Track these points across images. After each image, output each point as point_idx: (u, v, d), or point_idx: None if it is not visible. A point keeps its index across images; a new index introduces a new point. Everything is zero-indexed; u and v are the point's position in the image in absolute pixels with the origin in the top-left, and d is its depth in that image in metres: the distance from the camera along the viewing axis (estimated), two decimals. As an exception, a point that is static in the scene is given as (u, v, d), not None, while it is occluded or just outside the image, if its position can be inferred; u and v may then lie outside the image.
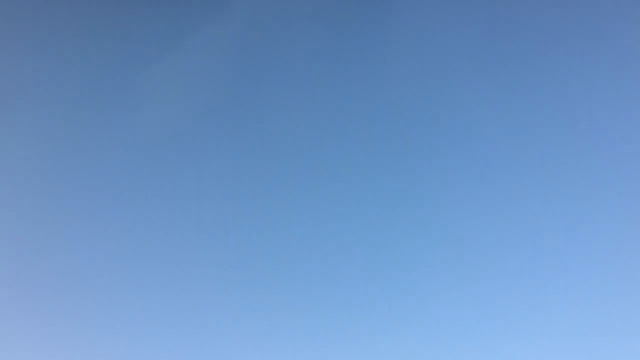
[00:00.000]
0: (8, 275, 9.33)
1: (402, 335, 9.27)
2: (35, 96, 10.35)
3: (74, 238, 9.69)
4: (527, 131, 10.28)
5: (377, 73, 10.65)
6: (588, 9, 10.55)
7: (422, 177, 10.23)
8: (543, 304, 9.32)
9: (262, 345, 9.27)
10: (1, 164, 9.89)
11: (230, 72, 10.72)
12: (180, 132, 10.39)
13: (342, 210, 10.09)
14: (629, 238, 9.45)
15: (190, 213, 10.02)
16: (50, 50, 10.55)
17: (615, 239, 9.52)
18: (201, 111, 10.50)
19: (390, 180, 10.23)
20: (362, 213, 10.06)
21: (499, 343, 9.08)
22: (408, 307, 9.47)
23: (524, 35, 10.66)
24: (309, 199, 10.13)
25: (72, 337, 9.15)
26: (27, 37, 10.55)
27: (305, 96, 10.67)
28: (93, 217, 9.85)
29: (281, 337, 9.33)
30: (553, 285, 9.40)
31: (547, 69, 10.53)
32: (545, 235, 9.68)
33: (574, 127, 10.22)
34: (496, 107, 10.43)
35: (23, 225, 9.67)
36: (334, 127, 10.51)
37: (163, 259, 9.74)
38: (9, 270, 9.35)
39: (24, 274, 9.39)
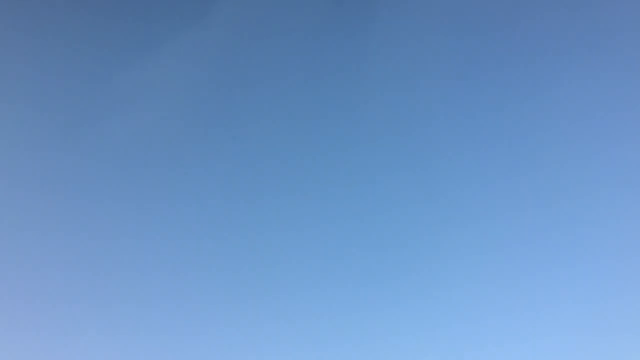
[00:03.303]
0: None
1: (402, 336, 9.29)
2: (16, 99, 10.45)
3: (67, 242, 9.78)
4: (525, 132, 10.35)
5: (364, 79, 10.71)
6: (586, 10, 10.61)
7: (419, 178, 10.28)
8: (543, 304, 9.33)
9: (262, 346, 9.30)
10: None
11: (214, 76, 10.79)
12: (165, 135, 10.47)
13: (340, 213, 10.15)
14: (630, 238, 9.46)
15: (181, 216, 10.08)
16: (34, 54, 10.64)
17: (615, 239, 9.54)
18: (185, 115, 10.57)
19: (386, 182, 10.28)
20: (359, 215, 10.11)
21: (499, 343, 9.10)
22: (408, 307, 9.50)
23: (517, 42, 10.72)
24: (305, 202, 10.18)
25: (72, 337, 9.22)
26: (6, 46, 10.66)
27: (292, 97, 10.74)
28: (85, 220, 9.95)
29: (281, 338, 9.36)
30: (553, 285, 9.44)
31: (543, 73, 10.58)
32: (545, 235, 9.72)
33: (573, 127, 10.27)
34: (492, 107, 10.50)
35: (19, 228, 9.79)
36: (322, 130, 10.57)
37: (160, 261, 9.81)
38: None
39: (21, 279, 9.50)
